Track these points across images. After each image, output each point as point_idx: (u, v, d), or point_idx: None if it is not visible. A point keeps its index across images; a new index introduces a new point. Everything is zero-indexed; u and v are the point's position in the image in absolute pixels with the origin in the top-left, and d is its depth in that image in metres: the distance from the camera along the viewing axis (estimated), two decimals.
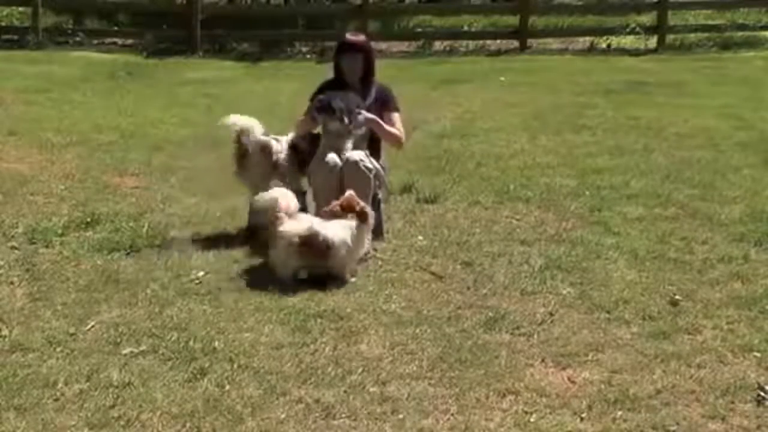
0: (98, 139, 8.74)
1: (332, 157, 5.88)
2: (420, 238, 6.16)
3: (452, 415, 3.96)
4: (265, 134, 6.19)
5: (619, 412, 3.99)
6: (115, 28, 16.42)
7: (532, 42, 15.69)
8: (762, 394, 4.12)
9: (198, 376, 4.22)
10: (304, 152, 6.17)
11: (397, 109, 6.30)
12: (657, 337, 4.70)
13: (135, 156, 8.15)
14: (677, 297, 5.17)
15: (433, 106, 10.35)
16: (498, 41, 15.89)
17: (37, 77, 11.94)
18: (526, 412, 3.98)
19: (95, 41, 15.29)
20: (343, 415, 3.93)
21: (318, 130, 6.15)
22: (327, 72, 6.59)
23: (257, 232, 5.91)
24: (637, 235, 6.24)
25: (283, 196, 5.52)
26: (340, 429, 3.86)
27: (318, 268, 5.37)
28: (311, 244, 5.31)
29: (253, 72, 13.55)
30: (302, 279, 5.36)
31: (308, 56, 15.18)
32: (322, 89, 6.24)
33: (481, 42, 15.91)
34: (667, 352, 4.54)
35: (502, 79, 12.59)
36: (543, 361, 4.45)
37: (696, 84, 12.27)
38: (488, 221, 6.51)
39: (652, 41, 15.57)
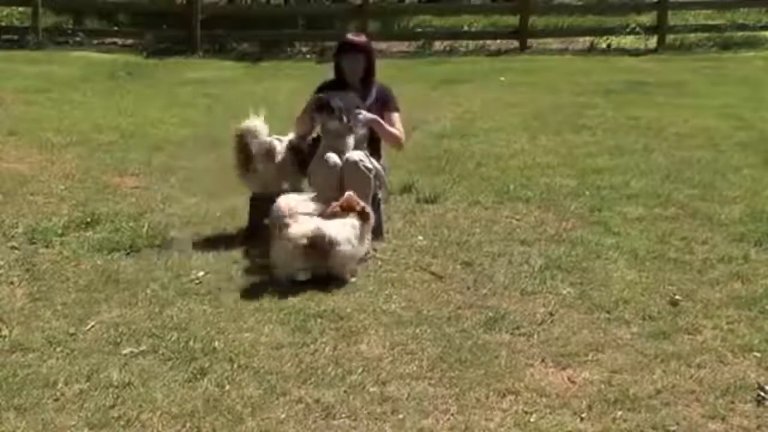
0: (98, 139, 8.74)
1: (332, 156, 5.88)
2: (420, 238, 6.16)
3: (452, 415, 3.96)
4: (268, 135, 6.19)
5: (619, 412, 3.99)
6: (115, 28, 16.44)
7: (532, 42, 15.69)
8: (762, 394, 4.12)
9: (198, 376, 4.22)
10: (305, 152, 6.17)
11: (397, 110, 6.31)
12: (657, 337, 4.70)
13: (135, 156, 8.15)
14: (677, 297, 5.17)
15: (433, 106, 10.35)
16: (498, 41, 15.90)
17: (37, 77, 11.95)
18: (526, 412, 3.98)
19: (95, 41, 15.30)
20: (343, 415, 3.93)
21: (317, 131, 6.16)
22: (327, 72, 6.60)
23: (257, 232, 5.92)
24: (637, 235, 6.24)
25: (285, 199, 5.51)
26: (340, 429, 3.86)
27: (319, 268, 5.36)
28: (317, 245, 5.31)
29: (253, 72, 13.56)
30: (303, 280, 5.35)
31: (308, 56, 15.18)
32: (322, 89, 6.24)
33: (481, 42, 15.92)
34: (667, 352, 4.54)
35: (502, 79, 12.59)
36: (543, 361, 4.45)
37: (696, 84, 12.27)
38: (488, 221, 6.51)
39: (652, 41, 15.58)
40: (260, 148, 6.09)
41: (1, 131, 8.79)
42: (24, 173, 7.45)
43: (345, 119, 5.93)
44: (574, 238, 6.13)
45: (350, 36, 6.49)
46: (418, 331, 4.74)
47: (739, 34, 15.93)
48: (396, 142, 6.28)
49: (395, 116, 6.26)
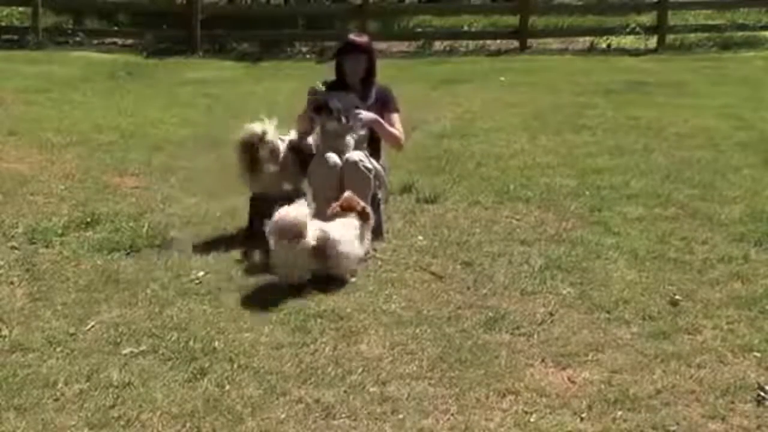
0: (98, 139, 8.74)
1: (332, 156, 5.87)
2: (420, 238, 6.16)
3: (452, 415, 3.96)
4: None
5: (619, 412, 3.99)
6: (115, 28, 16.43)
7: (532, 42, 15.69)
8: (762, 394, 4.12)
9: (198, 376, 4.22)
10: (305, 152, 6.16)
11: (397, 110, 6.31)
12: (657, 337, 4.70)
13: (135, 156, 8.15)
14: (677, 297, 5.17)
15: (433, 106, 10.35)
16: (498, 41, 15.89)
17: (37, 77, 11.94)
18: (526, 412, 3.98)
19: (95, 41, 15.29)
20: (343, 415, 3.94)
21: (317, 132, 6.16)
22: (327, 72, 6.60)
23: (257, 232, 5.91)
24: (637, 235, 6.24)
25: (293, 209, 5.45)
26: (340, 429, 3.86)
27: (321, 269, 5.36)
28: (322, 248, 5.30)
29: (253, 72, 13.55)
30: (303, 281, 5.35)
31: (308, 56, 15.17)
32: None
33: (481, 42, 15.91)
34: (667, 352, 4.54)
35: (502, 79, 12.59)
36: (543, 361, 4.45)
37: (696, 84, 12.27)
38: (488, 221, 6.51)
39: (652, 41, 15.57)
40: (266, 150, 6.07)
41: (1, 131, 8.79)
42: (24, 173, 7.45)
43: (344, 119, 5.92)
44: (574, 238, 6.13)
45: (353, 36, 6.47)
46: (418, 331, 4.74)
47: (739, 34, 15.93)
48: (396, 142, 6.28)
49: (395, 116, 6.26)
